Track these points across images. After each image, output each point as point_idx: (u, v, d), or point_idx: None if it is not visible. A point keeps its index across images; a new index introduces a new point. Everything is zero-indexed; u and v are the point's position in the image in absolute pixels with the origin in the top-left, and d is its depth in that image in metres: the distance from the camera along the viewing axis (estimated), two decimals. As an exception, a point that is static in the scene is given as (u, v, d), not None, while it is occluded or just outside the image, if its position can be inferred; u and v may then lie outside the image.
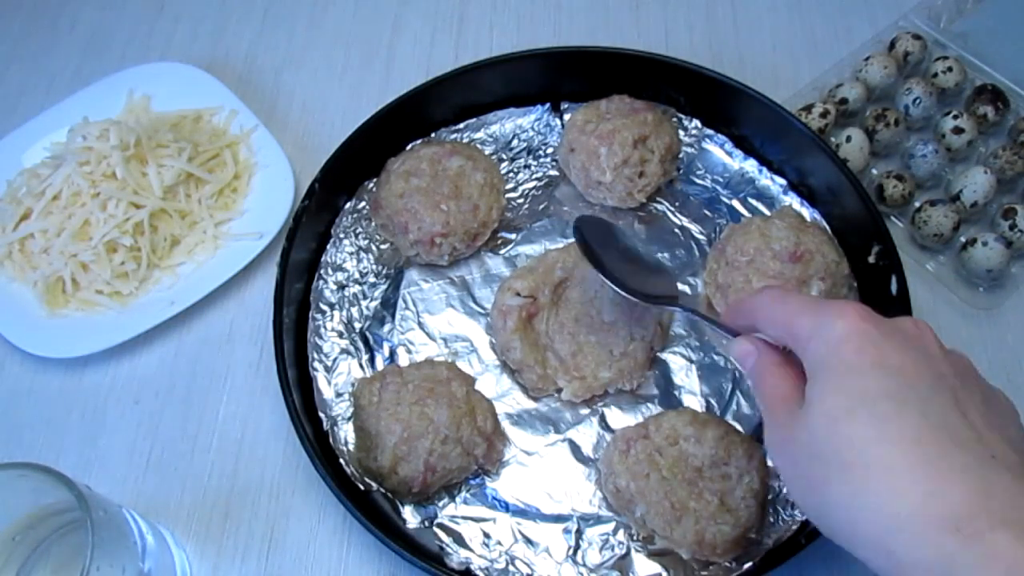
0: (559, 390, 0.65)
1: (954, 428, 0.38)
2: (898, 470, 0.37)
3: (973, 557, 0.35)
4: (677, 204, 0.74)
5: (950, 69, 0.78)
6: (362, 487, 0.62)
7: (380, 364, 0.67)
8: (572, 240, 0.70)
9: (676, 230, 0.73)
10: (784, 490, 0.61)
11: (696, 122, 0.77)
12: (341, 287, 0.70)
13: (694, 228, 0.73)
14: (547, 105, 0.78)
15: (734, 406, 0.65)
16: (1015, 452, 0.39)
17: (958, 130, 0.75)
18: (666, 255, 0.71)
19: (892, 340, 0.42)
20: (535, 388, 0.65)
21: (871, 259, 0.67)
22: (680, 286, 0.69)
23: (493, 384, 0.66)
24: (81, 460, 0.66)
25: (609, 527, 0.61)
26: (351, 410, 0.65)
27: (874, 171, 0.76)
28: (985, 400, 0.42)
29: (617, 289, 0.61)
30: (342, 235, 0.72)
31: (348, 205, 0.73)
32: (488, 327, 0.68)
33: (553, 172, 0.76)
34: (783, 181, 0.74)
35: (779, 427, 0.45)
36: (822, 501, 0.40)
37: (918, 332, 0.44)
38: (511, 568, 0.59)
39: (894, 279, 0.65)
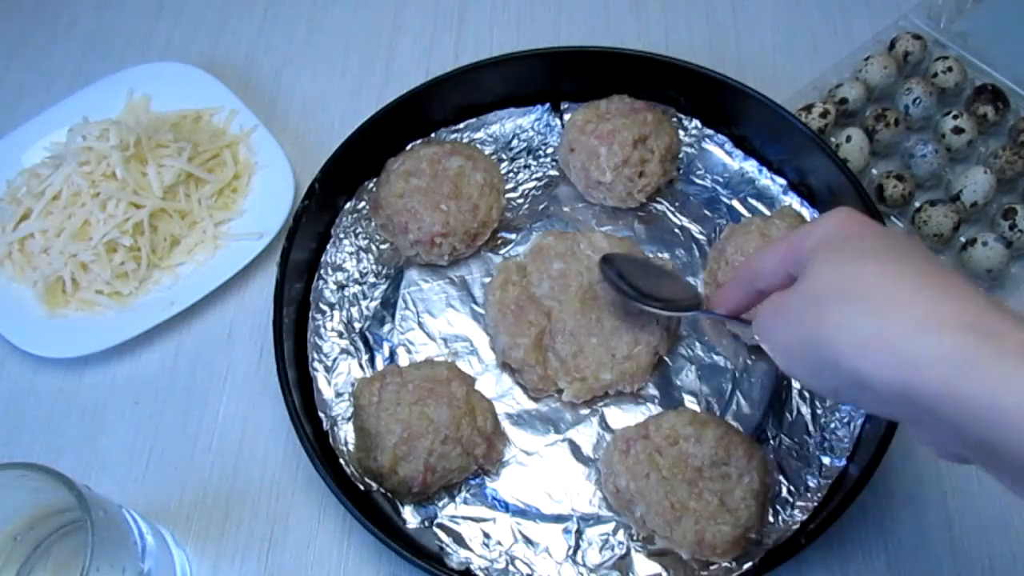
0: (559, 391, 0.65)
1: (949, 267, 0.41)
2: (907, 285, 0.39)
3: (992, 348, 0.36)
4: (677, 204, 0.74)
5: (950, 69, 0.78)
6: (362, 487, 0.62)
7: (380, 364, 0.67)
8: (566, 224, 0.72)
9: (676, 230, 0.73)
10: (783, 490, 0.61)
11: (696, 122, 0.77)
12: (341, 287, 0.70)
13: (694, 228, 0.73)
14: (547, 105, 0.78)
15: (734, 406, 0.65)
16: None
17: (958, 130, 0.75)
18: (666, 255, 0.71)
19: (873, 225, 0.45)
20: (535, 388, 0.65)
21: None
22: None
23: (493, 384, 0.66)
24: (81, 460, 0.66)
25: (609, 527, 0.61)
26: (351, 410, 0.65)
27: (874, 171, 0.76)
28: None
29: (652, 309, 0.62)
30: (342, 235, 0.72)
31: (348, 205, 0.73)
32: (488, 327, 0.68)
33: (553, 172, 0.76)
34: (783, 181, 0.74)
35: (773, 301, 0.46)
36: (821, 339, 0.41)
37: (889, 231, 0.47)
38: (511, 568, 0.59)
39: (894, 279, 0.64)
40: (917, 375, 0.37)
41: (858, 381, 0.39)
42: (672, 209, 0.74)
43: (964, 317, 0.37)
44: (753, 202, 0.74)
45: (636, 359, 0.65)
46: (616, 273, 0.64)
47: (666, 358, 0.67)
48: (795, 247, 0.46)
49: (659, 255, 0.70)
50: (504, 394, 0.66)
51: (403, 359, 0.68)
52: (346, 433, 0.64)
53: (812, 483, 0.61)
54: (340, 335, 0.68)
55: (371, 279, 0.71)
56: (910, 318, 0.38)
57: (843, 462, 0.62)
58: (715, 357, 0.67)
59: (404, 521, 0.61)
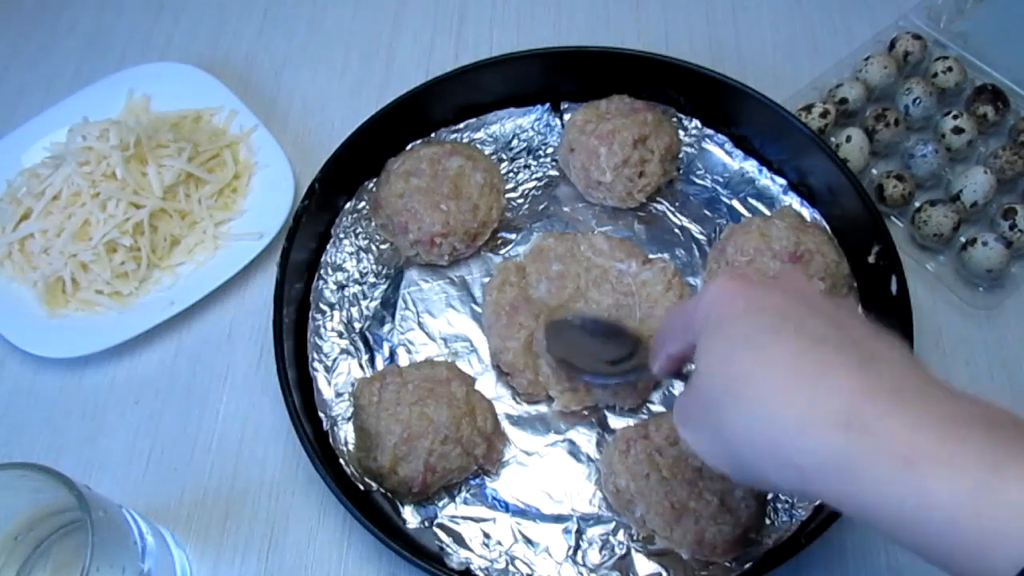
0: (551, 397, 0.65)
1: (832, 338, 0.38)
2: (783, 382, 0.37)
3: (868, 449, 0.34)
4: (677, 204, 0.74)
5: (950, 69, 0.78)
6: (362, 487, 0.62)
7: (380, 364, 0.67)
8: (566, 224, 0.72)
9: (676, 230, 0.73)
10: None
11: (696, 122, 0.77)
12: (341, 287, 0.70)
13: (694, 228, 0.73)
14: (547, 105, 0.78)
15: (734, 406, 0.65)
16: (899, 356, 0.38)
17: (958, 130, 0.75)
18: (666, 255, 0.71)
19: (764, 288, 0.42)
20: (526, 392, 0.65)
21: (871, 259, 0.67)
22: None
23: (493, 384, 0.66)
24: (81, 460, 0.66)
25: (609, 527, 0.61)
26: (351, 410, 0.65)
27: (874, 171, 0.76)
28: (863, 320, 0.42)
29: (601, 381, 0.61)
30: (342, 235, 0.72)
31: (348, 205, 0.73)
32: (488, 333, 0.68)
33: (553, 172, 0.76)
34: (783, 181, 0.74)
35: (680, 405, 0.45)
36: (726, 442, 0.40)
37: (791, 280, 0.45)
38: (511, 568, 0.59)
39: (894, 279, 0.65)
40: (809, 482, 0.36)
41: (763, 480, 0.39)
42: (672, 209, 0.74)
43: (837, 413, 0.35)
44: (753, 202, 0.74)
45: (632, 383, 0.64)
46: (562, 346, 0.62)
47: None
48: (686, 323, 0.45)
49: (659, 255, 0.70)
50: (504, 394, 0.66)
51: (403, 359, 0.68)
52: (346, 433, 0.64)
53: (812, 483, 0.61)
54: (340, 335, 0.68)
55: (371, 279, 0.71)
56: (790, 420, 0.36)
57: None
58: (715, 357, 0.67)
59: (404, 521, 0.61)
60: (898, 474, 0.33)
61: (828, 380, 0.37)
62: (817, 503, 0.60)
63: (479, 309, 0.69)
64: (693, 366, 0.45)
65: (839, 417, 0.35)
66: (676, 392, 0.66)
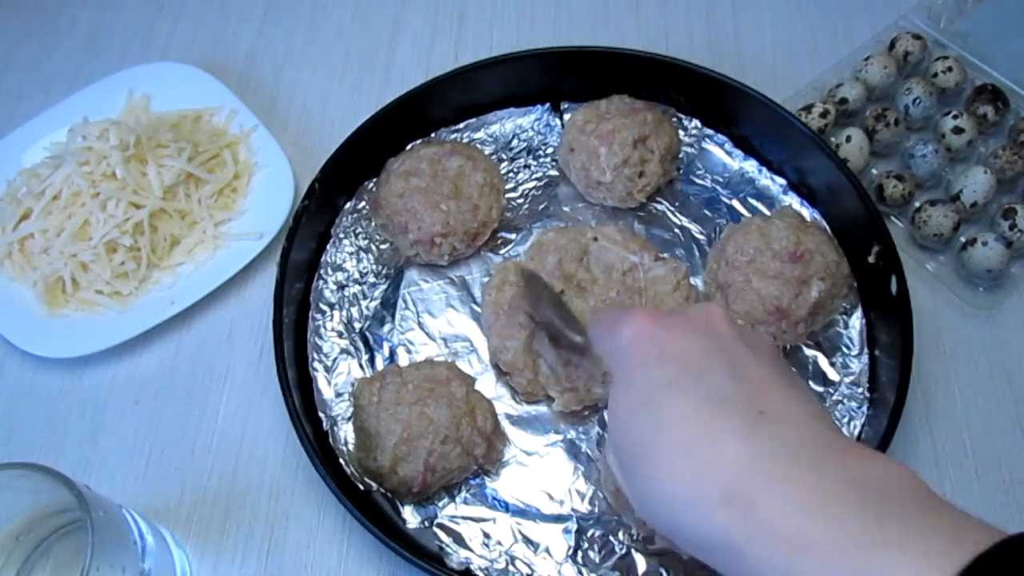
0: (550, 398, 0.65)
1: (725, 393, 0.37)
2: (673, 452, 0.37)
3: (750, 530, 0.33)
4: (677, 204, 0.74)
5: (950, 69, 0.78)
6: (362, 487, 0.62)
7: (380, 364, 0.67)
8: (566, 224, 0.71)
9: (676, 230, 0.73)
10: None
11: (696, 122, 0.77)
12: (341, 287, 0.70)
13: (694, 228, 0.73)
14: (547, 105, 0.78)
15: (734, 406, 0.65)
16: (796, 405, 0.37)
17: (958, 130, 0.75)
18: (666, 255, 0.71)
19: (675, 331, 0.42)
20: (525, 392, 0.65)
21: (871, 259, 0.67)
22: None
23: (493, 384, 0.66)
24: (81, 460, 0.66)
25: (609, 527, 0.61)
26: (351, 410, 0.65)
27: (874, 171, 0.76)
28: (770, 362, 0.41)
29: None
30: (342, 235, 0.72)
31: (348, 205, 0.74)
32: (487, 333, 0.68)
33: (553, 172, 0.76)
34: (783, 181, 0.74)
35: (606, 448, 0.45)
36: (639, 503, 0.40)
37: (705, 317, 0.43)
38: (511, 568, 0.59)
39: (894, 279, 0.65)
40: (708, 556, 0.36)
41: (677, 543, 0.38)
42: (672, 209, 0.74)
43: (721, 488, 0.34)
44: (753, 202, 0.74)
45: None
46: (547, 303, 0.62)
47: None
48: (606, 355, 0.45)
49: (659, 255, 0.70)
50: (504, 394, 0.66)
51: (403, 359, 0.68)
52: (346, 433, 0.64)
53: (812, 483, 0.61)
54: (340, 335, 0.68)
55: (371, 279, 0.71)
56: (679, 495, 0.36)
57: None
58: (715, 357, 0.67)
59: (404, 521, 0.61)
60: (780, 558, 0.32)
61: (715, 449, 0.36)
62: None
63: (479, 309, 0.69)
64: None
65: (723, 493, 0.34)
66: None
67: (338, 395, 0.66)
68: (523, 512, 0.61)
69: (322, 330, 0.68)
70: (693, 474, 0.35)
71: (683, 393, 0.38)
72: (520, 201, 0.75)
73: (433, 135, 0.77)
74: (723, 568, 0.35)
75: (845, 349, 0.67)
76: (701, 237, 0.73)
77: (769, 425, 0.36)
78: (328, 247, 0.72)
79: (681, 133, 0.76)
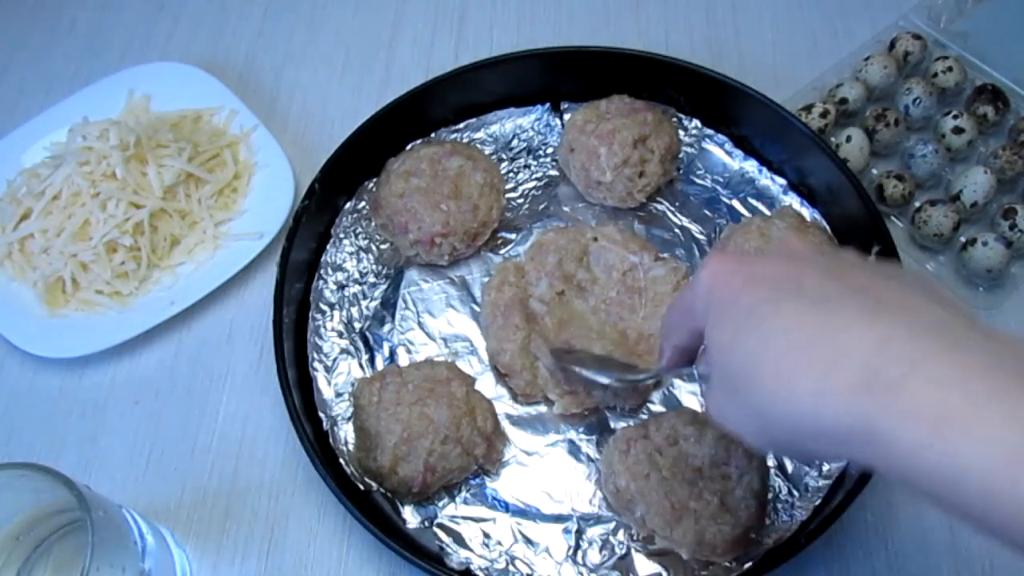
0: (549, 400, 0.65)
1: (832, 292, 0.36)
2: (795, 354, 0.36)
3: (892, 412, 0.32)
4: (677, 204, 0.74)
5: (950, 69, 0.78)
6: (362, 487, 0.62)
7: (380, 364, 0.67)
8: (566, 224, 0.71)
9: (676, 230, 0.73)
10: (783, 490, 0.61)
11: (696, 122, 0.77)
12: (341, 287, 0.70)
13: (694, 228, 0.73)
14: (547, 105, 0.78)
15: (734, 406, 0.65)
16: (909, 296, 0.36)
17: (958, 130, 0.75)
18: (666, 255, 0.71)
19: (756, 261, 0.41)
20: (524, 393, 0.65)
21: (871, 259, 0.67)
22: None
23: (493, 384, 0.66)
24: (81, 460, 0.66)
25: (609, 527, 0.61)
26: (351, 410, 0.65)
27: (874, 171, 0.76)
28: (866, 264, 0.40)
29: (618, 383, 0.60)
30: (342, 235, 0.72)
31: (348, 205, 0.73)
32: (485, 334, 0.68)
33: (553, 172, 0.76)
34: (783, 181, 0.74)
35: (709, 391, 0.44)
36: (762, 422, 0.38)
37: (785, 244, 0.43)
38: (511, 568, 0.59)
39: (894, 279, 0.64)
40: (844, 448, 0.35)
41: (814, 453, 0.37)
42: (672, 209, 0.74)
43: (854, 374, 0.33)
44: (753, 202, 0.74)
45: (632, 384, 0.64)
46: (571, 360, 0.62)
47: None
48: (687, 311, 0.44)
49: (659, 255, 0.70)
50: (504, 394, 0.66)
51: (403, 359, 0.68)
52: (346, 433, 0.64)
53: (812, 483, 0.61)
54: (340, 335, 0.68)
55: (371, 279, 0.71)
56: (808, 392, 0.34)
57: (843, 462, 0.62)
58: (715, 357, 0.67)
59: (404, 521, 0.61)
60: (927, 438, 0.31)
61: (839, 339, 0.34)
62: (817, 503, 0.60)
63: (479, 309, 0.69)
64: (701, 367, 0.44)
65: (857, 379, 0.33)
66: (676, 392, 0.66)
67: (338, 395, 0.66)
68: (523, 512, 0.61)
69: (322, 330, 0.68)
70: (823, 367, 0.34)
71: (786, 302, 0.37)
72: (520, 201, 0.75)
73: (433, 135, 0.77)
74: (860, 456, 0.34)
75: (845, 349, 0.67)
76: (701, 237, 0.73)
77: (891, 311, 0.35)
78: (328, 247, 0.72)
79: (681, 133, 0.76)
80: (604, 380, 0.61)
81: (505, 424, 0.65)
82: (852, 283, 0.37)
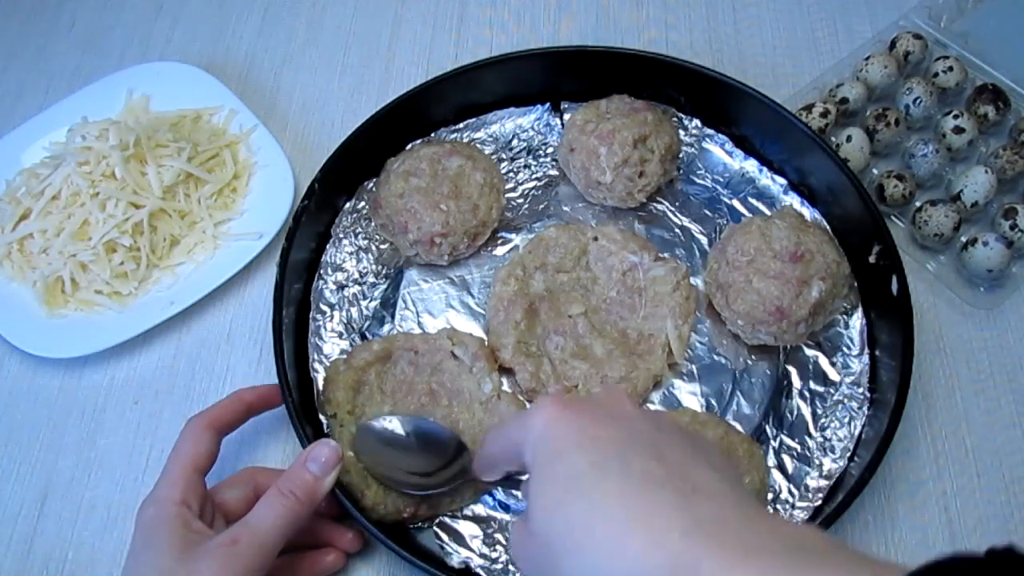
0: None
1: (653, 473, 0.39)
2: (611, 533, 0.37)
3: None
4: (677, 204, 0.74)
5: (950, 69, 0.78)
6: (362, 487, 0.61)
7: (380, 364, 0.67)
8: (567, 222, 0.72)
9: (676, 230, 0.73)
10: (783, 490, 0.61)
11: (696, 122, 0.77)
12: (341, 287, 0.70)
13: (694, 228, 0.73)
14: (547, 105, 0.78)
15: (734, 406, 0.65)
16: (718, 481, 0.40)
17: (959, 130, 0.75)
18: (666, 255, 0.71)
19: (587, 416, 0.43)
20: (528, 389, 0.65)
21: (872, 259, 0.67)
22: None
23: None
24: (81, 460, 0.66)
25: (609, 527, 0.60)
26: (351, 410, 0.64)
27: (874, 171, 0.76)
28: (683, 441, 0.43)
29: (419, 493, 0.58)
30: (342, 235, 0.72)
31: (348, 205, 0.73)
32: (487, 327, 0.68)
33: (553, 172, 0.76)
34: (783, 181, 0.74)
35: (517, 541, 0.45)
36: None
37: (611, 400, 0.45)
38: (511, 568, 0.59)
39: (895, 279, 0.65)
40: None
41: None
42: (672, 209, 0.74)
43: (666, 556, 0.35)
44: (754, 202, 0.74)
45: (632, 381, 0.64)
46: (373, 456, 0.58)
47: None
48: (515, 445, 0.45)
49: (659, 255, 0.70)
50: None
51: (403, 359, 0.68)
52: (346, 433, 0.64)
53: (812, 483, 0.61)
54: (340, 335, 0.68)
55: (371, 279, 0.71)
56: (622, 569, 0.36)
57: (843, 462, 0.62)
58: (715, 357, 0.67)
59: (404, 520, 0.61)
60: None
61: (654, 524, 0.37)
62: (817, 503, 0.60)
63: (479, 309, 0.69)
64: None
65: (668, 560, 0.35)
66: (676, 392, 0.66)
67: (338, 395, 0.66)
68: (523, 512, 0.61)
69: (322, 330, 0.68)
70: (639, 549, 0.36)
71: (613, 474, 0.39)
72: (520, 201, 0.75)
73: (433, 135, 0.77)
74: None
75: (846, 349, 0.67)
76: (701, 237, 0.73)
77: (702, 500, 0.38)
78: (328, 247, 0.71)
79: (681, 133, 0.76)
80: (416, 495, 0.58)
81: (505, 424, 0.64)
82: (671, 468, 0.39)
